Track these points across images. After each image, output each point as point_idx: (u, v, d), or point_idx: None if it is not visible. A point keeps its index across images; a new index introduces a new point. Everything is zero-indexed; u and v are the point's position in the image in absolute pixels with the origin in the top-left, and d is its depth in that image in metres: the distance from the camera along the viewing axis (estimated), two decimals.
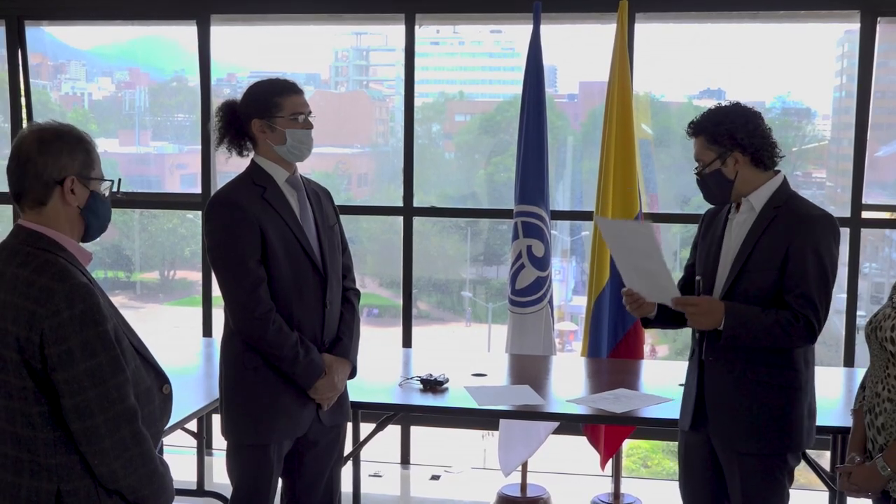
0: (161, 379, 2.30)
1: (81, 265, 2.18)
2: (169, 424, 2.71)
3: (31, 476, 2.10)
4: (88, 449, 2.09)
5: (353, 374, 3.27)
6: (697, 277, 3.02)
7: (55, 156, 2.15)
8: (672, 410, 3.47)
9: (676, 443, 3.31)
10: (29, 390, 2.07)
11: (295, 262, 3.08)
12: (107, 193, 2.27)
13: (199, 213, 5.84)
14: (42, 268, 2.09)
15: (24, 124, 5.83)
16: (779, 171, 3.04)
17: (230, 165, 3.35)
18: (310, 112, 3.14)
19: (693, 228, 3.18)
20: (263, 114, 3.07)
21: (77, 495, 2.12)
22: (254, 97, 3.11)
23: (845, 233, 5.10)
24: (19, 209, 2.20)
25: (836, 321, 5.52)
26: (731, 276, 2.98)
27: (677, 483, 3.28)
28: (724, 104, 3.03)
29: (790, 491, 3.09)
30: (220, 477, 4.83)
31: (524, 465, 4.89)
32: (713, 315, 2.91)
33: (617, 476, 4.90)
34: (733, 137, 2.94)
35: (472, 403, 3.74)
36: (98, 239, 2.31)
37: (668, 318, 3.13)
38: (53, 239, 2.16)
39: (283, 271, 3.06)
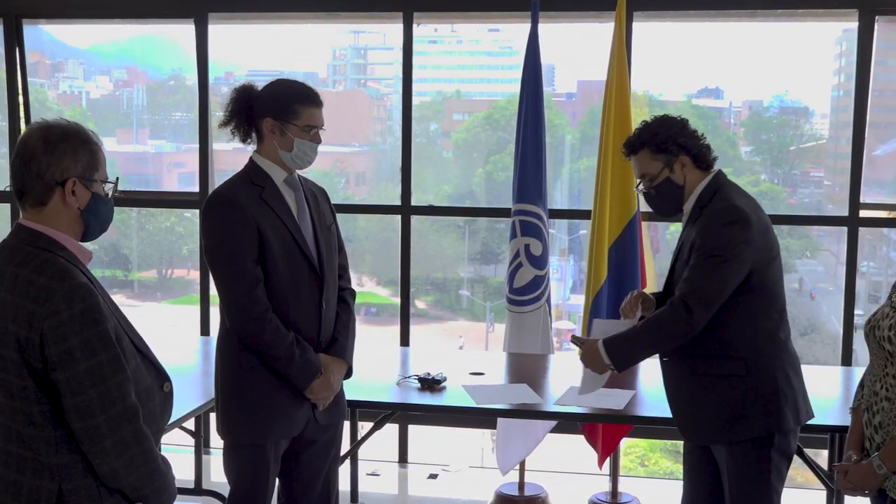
0: (162, 377, 2.30)
1: (82, 264, 2.18)
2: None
3: (33, 474, 2.11)
4: (90, 448, 2.09)
5: (348, 374, 3.26)
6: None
7: (59, 157, 2.15)
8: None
9: (674, 442, 3.34)
10: (30, 390, 2.07)
11: (292, 262, 3.08)
12: (110, 194, 2.27)
13: (197, 211, 5.83)
14: (41, 267, 2.09)
15: (22, 123, 5.83)
16: (713, 171, 3.09)
17: (228, 164, 3.36)
18: (322, 126, 3.13)
19: None
20: (279, 115, 3.06)
21: (78, 494, 2.12)
22: (274, 96, 3.09)
23: (843, 231, 5.11)
24: (20, 207, 2.20)
25: (833, 320, 5.52)
26: (665, 282, 3.12)
27: (675, 482, 3.30)
28: (649, 120, 3.12)
29: (784, 478, 3.07)
30: (217, 476, 4.83)
31: (522, 464, 4.89)
32: (597, 356, 3.02)
33: (615, 475, 4.89)
34: (676, 141, 3.03)
35: (469, 402, 3.74)
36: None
37: None
38: (53, 238, 2.16)
39: (280, 271, 3.05)
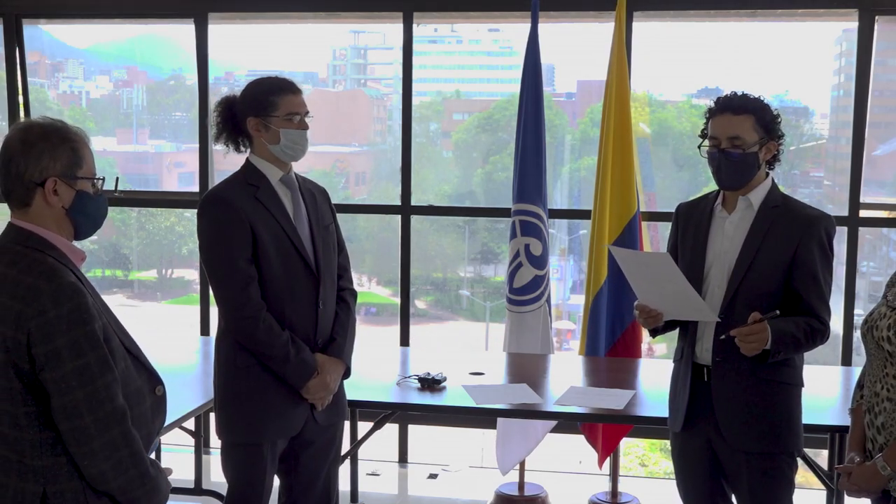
0: (154, 380, 2.28)
1: (73, 264, 2.17)
2: (167, 423, 2.70)
3: (18, 477, 2.09)
4: (77, 450, 2.07)
5: (346, 374, 3.25)
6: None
7: (36, 158, 2.12)
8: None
9: None
10: (15, 391, 2.06)
11: (287, 261, 3.08)
12: (99, 188, 2.24)
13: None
14: (30, 267, 2.08)
15: None
16: (769, 173, 3.05)
17: (228, 164, 3.36)
18: (307, 112, 3.13)
19: None
20: (259, 112, 3.07)
21: (63, 497, 2.10)
22: (251, 95, 3.11)
23: (843, 231, 5.11)
24: (9, 207, 2.19)
25: (833, 320, 5.52)
26: (737, 277, 2.94)
27: (674, 482, 3.27)
28: (748, 94, 2.98)
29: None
30: (217, 475, 4.81)
31: (522, 464, 4.89)
32: (764, 339, 2.82)
33: (615, 475, 4.90)
34: (777, 127, 2.96)
35: (469, 402, 3.74)
36: (95, 237, 2.30)
37: (674, 323, 3.12)
38: (43, 237, 2.14)
39: (275, 271, 3.05)
